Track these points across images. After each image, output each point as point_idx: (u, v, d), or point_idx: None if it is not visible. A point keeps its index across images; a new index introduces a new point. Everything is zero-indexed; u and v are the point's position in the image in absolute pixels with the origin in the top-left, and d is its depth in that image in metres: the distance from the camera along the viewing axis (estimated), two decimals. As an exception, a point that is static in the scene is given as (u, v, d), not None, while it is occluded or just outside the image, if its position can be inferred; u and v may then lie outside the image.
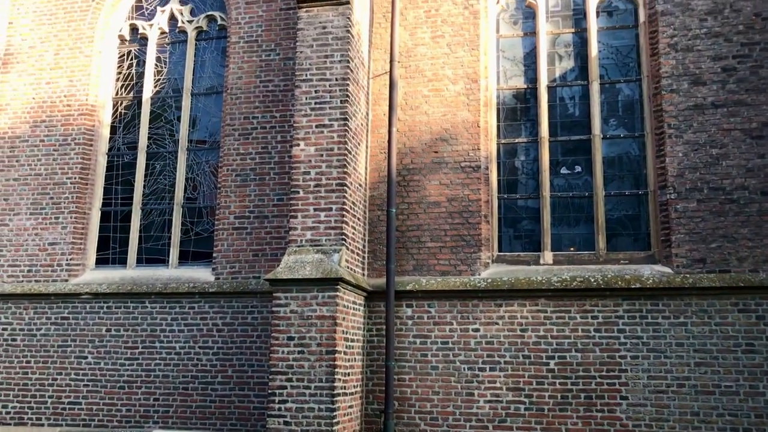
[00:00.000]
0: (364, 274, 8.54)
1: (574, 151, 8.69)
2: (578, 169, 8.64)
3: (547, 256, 8.39)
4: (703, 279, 7.62)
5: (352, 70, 8.33)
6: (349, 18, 8.37)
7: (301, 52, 8.43)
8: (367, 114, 8.98)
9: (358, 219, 8.42)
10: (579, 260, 8.28)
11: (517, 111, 8.98)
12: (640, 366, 7.60)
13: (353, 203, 8.20)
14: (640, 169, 8.45)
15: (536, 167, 8.73)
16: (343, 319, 7.53)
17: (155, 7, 10.42)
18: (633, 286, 7.68)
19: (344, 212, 7.84)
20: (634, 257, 8.15)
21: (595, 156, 8.50)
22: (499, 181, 8.80)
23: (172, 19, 10.32)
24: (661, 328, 7.63)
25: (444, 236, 8.48)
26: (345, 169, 7.95)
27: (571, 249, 8.43)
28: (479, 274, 8.26)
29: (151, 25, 10.34)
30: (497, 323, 8.05)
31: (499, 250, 8.61)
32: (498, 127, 8.93)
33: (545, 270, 8.19)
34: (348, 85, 8.21)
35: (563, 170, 8.69)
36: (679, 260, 7.80)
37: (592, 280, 7.82)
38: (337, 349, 7.29)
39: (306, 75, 8.33)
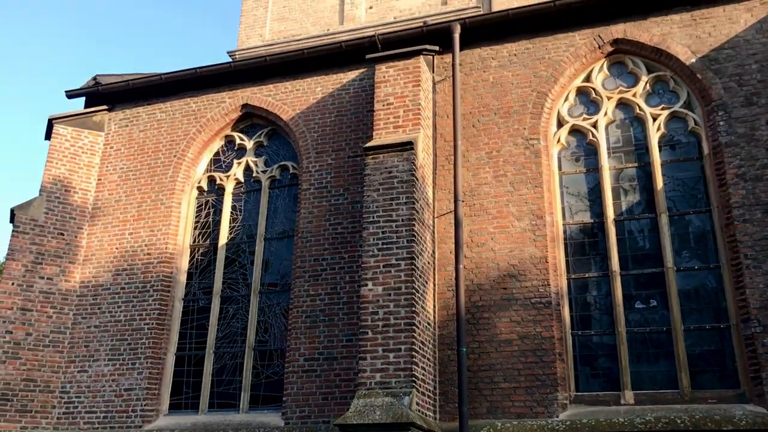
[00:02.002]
0: (435, 418, 8.28)
1: (647, 284, 8.48)
2: (653, 303, 8.38)
3: (628, 395, 7.99)
4: (803, 419, 7.06)
5: (417, 211, 8.54)
6: (413, 162, 8.70)
7: (368, 195, 8.73)
8: (434, 252, 9.08)
9: (428, 359, 8.29)
10: (662, 400, 7.84)
11: (586, 245, 8.92)
12: None
13: (422, 343, 8.12)
14: (719, 302, 8.13)
15: (609, 302, 8.52)
16: (416, 466, 7.24)
17: (232, 160, 11.10)
18: (724, 429, 7.16)
19: (413, 353, 7.75)
20: (722, 396, 7.66)
21: (670, 289, 8.26)
22: (571, 317, 8.60)
23: (248, 169, 10.94)
24: (762, 475, 7.01)
25: (518, 376, 8.22)
26: (413, 308, 7.95)
27: (653, 387, 8.01)
28: (557, 416, 7.89)
29: (228, 176, 10.96)
30: (579, 470, 7.57)
31: (577, 390, 8.25)
32: (567, 261, 8.85)
33: (627, 411, 7.77)
34: (414, 225, 8.39)
35: (638, 304, 8.45)
36: (773, 399, 7.28)
37: (679, 421, 7.34)
38: (409, 499, 6.96)
39: (373, 217, 8.58)
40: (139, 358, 9.94)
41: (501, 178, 9.20)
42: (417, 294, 8.14)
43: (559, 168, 9.36)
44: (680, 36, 9.07)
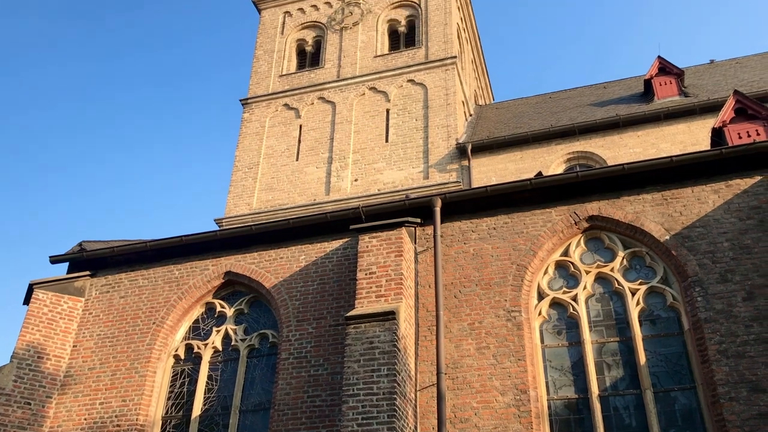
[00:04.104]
0: None
1: (637, 465, 8.14)
2: (645, 486, 8.01)
3: None
4: None
5: (398, 384, 8.34)
6: (395, 333, 8.63)
7: (348, 366, 8.56)
8: (415, 428, 8.75)
9: None
10: None
11: (571, 422, 8.65)
12: None
13: None
14: (713, 485, 7.79)
15: (599, 484, 8.12)
16: None
17: (211, 328, 10.94)
18: None
19: None
20: None
21: (661, 471, 7.93)
22: (559, 501, 8.15)
23: (226, 337, 10.75)
24: None
25: None
26: (393, 491, 7.51)
27: None
28: None
29: (206, 345, 10.75)
30: None
31: None
32: (553, 440, 8.54)
33: None
34: (395, 399, 8.15)
35: (629, 487, 8.07)
36: None
37: None
38: None
39: (353, 390, 8.35)
40: None
41: (484, 350, 9.10)
42: (397, 474, 7.74)
43: (542, 341, 9.30)
44: (653, 214, 9.42)
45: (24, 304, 11.53)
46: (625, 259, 9.48)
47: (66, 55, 60.61)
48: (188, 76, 65.54)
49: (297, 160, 20.96)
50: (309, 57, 24.05)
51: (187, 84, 65.18)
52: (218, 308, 11.04)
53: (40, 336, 10.88)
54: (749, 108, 12.72)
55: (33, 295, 11.23)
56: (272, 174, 20.88)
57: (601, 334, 9.15)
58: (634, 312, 9.04)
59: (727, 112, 12.76)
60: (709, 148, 12.94)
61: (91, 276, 11.72)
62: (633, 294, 9.18)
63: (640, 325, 8.98)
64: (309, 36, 24.37)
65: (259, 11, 25.41)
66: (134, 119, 60.90)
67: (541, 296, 9.58)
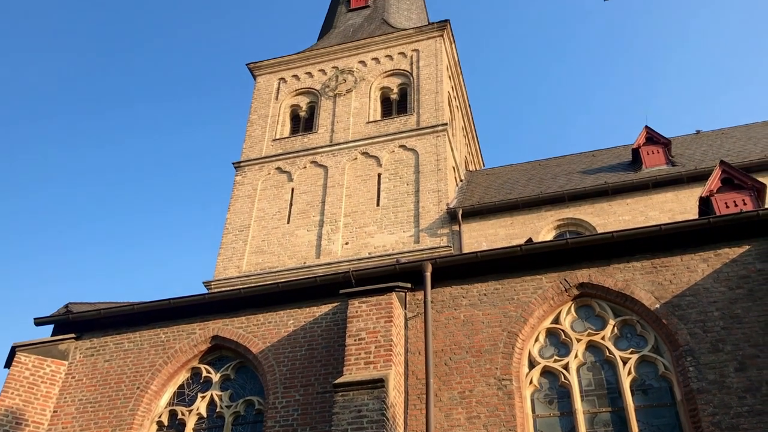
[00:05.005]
0: None
1: None
2: None
3: None
4: None
5: (387, 455, 8.13)
6: (383, 401, 8.46)
7: (335, 437, 8.34)
8: (404, 501, 8.50)
9: None
10: None
11: (564, 496, 8.42)
12: None
13: None
14: None
15: None
16: None
17: (196, 393, 10.69)
18: None
19: None
20: None
21: None
22: None
23: (211, 404, 10.50)
24: None
25: None
26: None
27: None
28: None
29: (190, 411, 10.48)
30: None
31: None
32: None
33: None
34: (383, 478, 7.91)
35: None
36: None
37: None
38: None
39: (340, 461, 8.12)
40: None
41: (474, 420, 8.92)
42: None
43: (533, 410, 9.14)
44: (643, 282, 9.42)
45: (5, 367, 11.28)
46: (615, 328, 9.42)
47: (58, 109, 61.27)
48: (181, 138, 66.22)
49: (288, 222, 20.98)
50: (303, 122, 24.36)
51: (179, 146, 65.79)
52: (204, 373, 10.83)
53: (20, 401, 10.60)
54: (735, 178, 12.91)
55: (15, 358, 11.00)
56: (263, 237, 20.84)
57: (592, 403, 9.00)
58: (625, 381, 8.92)
59: (714, 181, 12.94)
60: (697, 216, 13.05)
61: (76, 338, 11.52)
62: (624, 363, 9.08)
63: (632, 394, 8.85)
64: (303, 102, 24.75)
65: (255, 77, 25.86)
66: (125, 180, 61.16)
67: (532, 364, 9.46)
